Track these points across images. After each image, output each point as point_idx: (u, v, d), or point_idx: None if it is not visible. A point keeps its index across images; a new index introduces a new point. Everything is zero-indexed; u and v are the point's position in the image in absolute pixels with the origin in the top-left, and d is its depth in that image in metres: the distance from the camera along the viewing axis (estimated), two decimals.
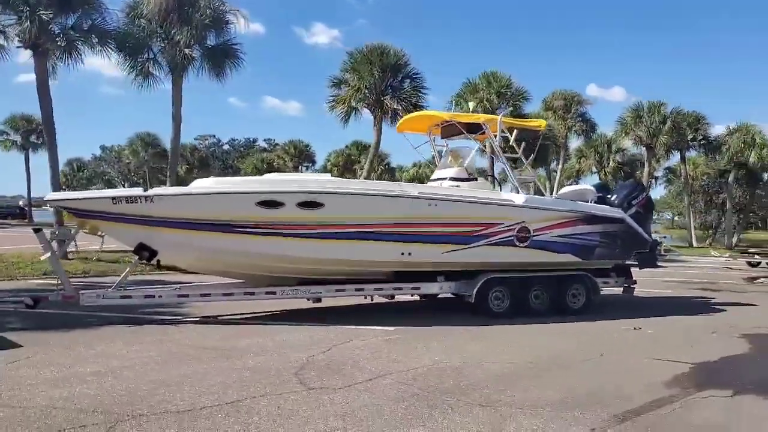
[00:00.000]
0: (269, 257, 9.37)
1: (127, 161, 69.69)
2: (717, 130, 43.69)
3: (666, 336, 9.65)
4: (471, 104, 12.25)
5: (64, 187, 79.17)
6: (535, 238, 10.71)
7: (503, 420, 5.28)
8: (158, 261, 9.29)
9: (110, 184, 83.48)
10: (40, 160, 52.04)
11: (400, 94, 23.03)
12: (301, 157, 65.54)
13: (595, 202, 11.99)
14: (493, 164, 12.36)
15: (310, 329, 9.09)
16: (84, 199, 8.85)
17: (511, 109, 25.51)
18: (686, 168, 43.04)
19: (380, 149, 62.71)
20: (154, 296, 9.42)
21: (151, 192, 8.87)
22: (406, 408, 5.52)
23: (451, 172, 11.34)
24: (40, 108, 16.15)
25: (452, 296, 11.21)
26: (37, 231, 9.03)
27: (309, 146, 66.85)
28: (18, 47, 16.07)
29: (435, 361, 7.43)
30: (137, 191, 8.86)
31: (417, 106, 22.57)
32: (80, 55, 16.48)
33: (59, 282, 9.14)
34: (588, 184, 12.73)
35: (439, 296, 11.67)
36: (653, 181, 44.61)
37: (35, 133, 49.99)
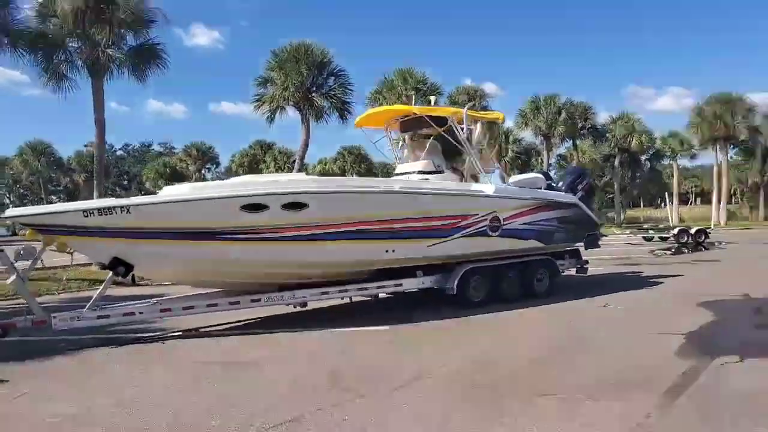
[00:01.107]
0: (255, 263, 8.77)
1: (11, 172, 63.71)
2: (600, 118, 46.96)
3: (638, 311, 10.01)
4: (432, 98, 12.14)
5: None
6: (505, 226, 10.83)
7: (572, 408, 5.22)
8: (133, 276, 8.44)
9: None
10: None
11: (328, 91, 22.59)
12: (204, 159, 63.12)
13: (545, 189, 12.30)
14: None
15: (305, 336, 8.61)
16: (51, 213, 7.78)
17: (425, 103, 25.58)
18: (578, 154, 45.67)
19: (283, 146, 62.16)
20: (134, 313, 8.44)
21: (127, 202, 7.97)
22: (474, 406, 5.32)
23: (419, 165, 11.14)
24: None
25: (413, 290, 11.00)
26: None
27: (212, 148, 64.51)
28: None
29: (459, 357, 7.22)
30: (112, 201, 7.95)
31: (345, 103, 22.49)
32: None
33: (29, 305, 8.02)
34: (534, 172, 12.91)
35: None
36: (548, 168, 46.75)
37: None
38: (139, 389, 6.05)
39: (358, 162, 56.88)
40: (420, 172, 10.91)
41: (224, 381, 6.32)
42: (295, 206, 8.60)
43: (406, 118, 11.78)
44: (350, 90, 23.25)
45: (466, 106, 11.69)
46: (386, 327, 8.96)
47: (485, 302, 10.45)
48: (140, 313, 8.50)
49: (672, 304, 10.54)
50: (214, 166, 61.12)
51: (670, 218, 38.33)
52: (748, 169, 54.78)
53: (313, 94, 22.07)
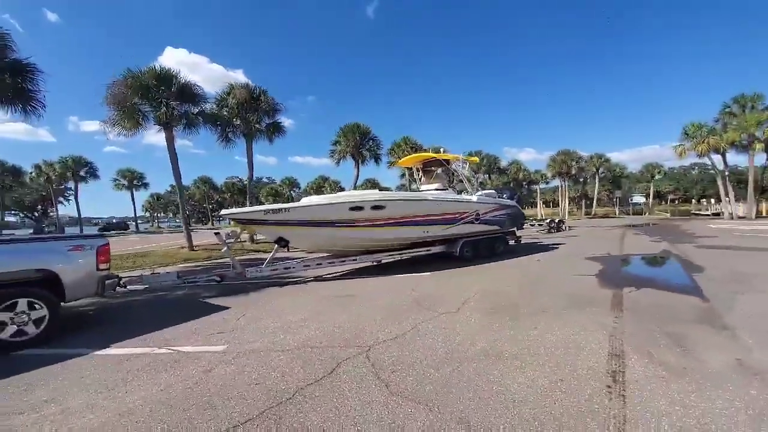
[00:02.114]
0: (357, 239, 8.25)
1: (187, 192, 61.79)
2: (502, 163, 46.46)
3: (556, 262, 9.41)
4: (442, 148, 11.64)
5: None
6: (482, 218, 10.37)
7: (563, 317, 4.75)
8: (288, 246, 7.88)
9: None
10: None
11: (369, 149, 21.59)
12: (292, 185, 59.77)
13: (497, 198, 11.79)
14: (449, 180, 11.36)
15: (384, 278, 7.92)
16: (247, 212, 7.24)
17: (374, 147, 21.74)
18: (492, 182, 44.92)
19: (334, 178, 60.43)
20: (290, 267, 7.93)
21: (288, 206, 7.43)
22: (504, 318, 4.79)
23: (434, 186, 10.65)
24: (171, 163, 13.44)
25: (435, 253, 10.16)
26: (216, 233, 7.30)
27: (296, 179, 61.93)
28: (154, 124, 13.30)
29: (478, 288, 6.61)
30: (279, 205, 7.39)
31: (377, 155, 21.75)
32: (197, 129, 13.88)
33: (232, 264, 7.46)
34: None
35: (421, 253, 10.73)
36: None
37: (136, 179, 43.35)
38: (311, 310, 5.53)
39: (374, 187, 55.60)
40: (436, 189, 10.42)
41: (346, 305, 5.76)
42: (379, 207, 8.10)
43: (427, 160, 11.28)
44: (381, 147, 22.35)
45: (461, 154, 11.09)
46: (428, 273, 8.39)
47: (472, 259, 9.96)
48: (293, 267, 7.96)
49: (572, 258, 10.07)
50: (297, 188, 59.61)
51: (539, 214, 37.99)
52: (575, 189, 54.85)
53: (362, 150, 21.26)
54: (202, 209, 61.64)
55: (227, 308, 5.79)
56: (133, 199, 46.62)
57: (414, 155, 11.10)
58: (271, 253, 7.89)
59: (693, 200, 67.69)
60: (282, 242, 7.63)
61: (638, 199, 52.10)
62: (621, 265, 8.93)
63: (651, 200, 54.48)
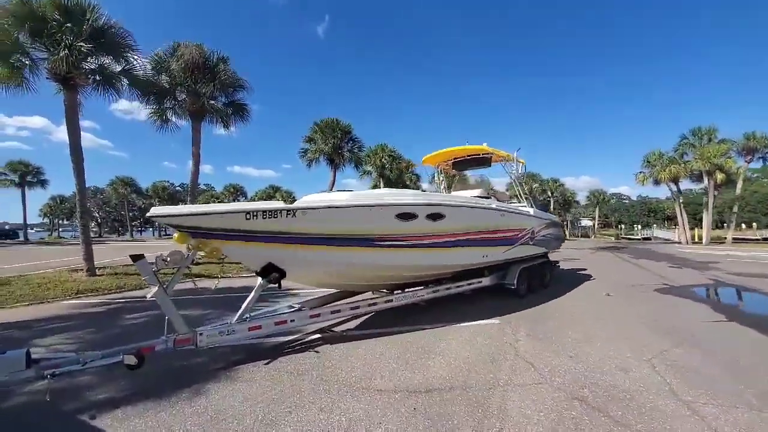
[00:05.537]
0: (403, 267, 5.10)
1: (101, 196, 51.57)
2: None
3: (630, 298, 7.26)
4: (485, 144, 8.86)
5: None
6: (536, 237, 7.91)
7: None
8: (280, 282, 4.38)
9: None
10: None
11: (350, 150, 18.23)
12: (237, 193, 52.59)
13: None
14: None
15: (439, 334, 4.96)
16: (207, 213, 3.66)
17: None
18: None
19: (287, 188, 54.64)
20: (286, 322, 4.40)
21: (293, 206, 4.04)
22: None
23: (475, 192, 7.94)
24: (69, 137, 8.84)
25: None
26: (137, 259, 3.53)
27: (243, 187, 55.15)
28: (47, 77, 8.66)
29: (643, 359, 3.91)
30: (278, 205, 3.97)
31: (359, 159, 18.49)
32: (117, 92, 9.24)
33: (171, 320, 3.71)
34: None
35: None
36: None
37: (30, 174, 34.17)
38: None
39: None
40: (477, 197, 7.67)
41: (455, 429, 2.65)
42: (436, 217, 5.10)
43: (456, 159, 8.56)
44: (362, 151, 19.13)
45: (515, 151, 8.38)
46: (495, 320, 5.58)
47: (525, 293, 7.33)
48: (292, 321, 4.44)
49: (636, 291, 8.09)
50: (243, 197, 52.66)
51: None
52: None
53: (341, 151, 17.85)
54: (119, 217, 51.56)
55: None
56: (23, 200, 36.88)
57: (451, 148, 8.21)
58: (250, 296, 4.29)
59: (617, 226, 74.09)
60: (272, 274, 4.15)
61: (586, 222, 55.34)
62: (722, 300, 7.03)
63: (597, 224, 58.26)
